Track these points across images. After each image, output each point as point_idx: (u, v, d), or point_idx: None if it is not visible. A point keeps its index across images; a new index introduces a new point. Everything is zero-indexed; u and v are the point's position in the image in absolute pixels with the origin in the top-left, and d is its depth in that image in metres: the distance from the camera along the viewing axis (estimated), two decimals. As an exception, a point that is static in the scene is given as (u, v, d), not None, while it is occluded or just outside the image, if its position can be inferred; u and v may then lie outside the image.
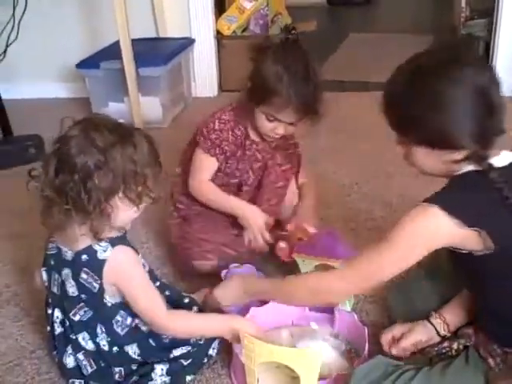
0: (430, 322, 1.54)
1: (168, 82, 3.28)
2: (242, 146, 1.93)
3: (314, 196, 2.03)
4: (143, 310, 1.45)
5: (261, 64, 1.79)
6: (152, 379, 1.48)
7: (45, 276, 1.52)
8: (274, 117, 1.81)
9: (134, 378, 1.48)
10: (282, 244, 1.84)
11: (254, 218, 1.90)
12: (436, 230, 1.28)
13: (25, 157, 2.75)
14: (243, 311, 1.68)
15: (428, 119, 1.27)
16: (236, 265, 1.84)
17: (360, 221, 2.26)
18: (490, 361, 1.37)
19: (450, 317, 1.53)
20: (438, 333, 1.53)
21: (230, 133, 1.90)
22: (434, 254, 1.46)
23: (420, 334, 1.53)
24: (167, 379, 1.49)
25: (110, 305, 1.45)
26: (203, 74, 3.62)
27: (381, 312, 1.78)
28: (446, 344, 1.51)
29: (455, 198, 1.28)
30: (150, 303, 1.45)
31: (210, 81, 3.64)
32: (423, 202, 1.31)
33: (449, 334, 1.53)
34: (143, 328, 1.50)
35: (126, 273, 1.42)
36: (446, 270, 1.55)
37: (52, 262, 1.49)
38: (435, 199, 1.29)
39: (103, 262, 1.40)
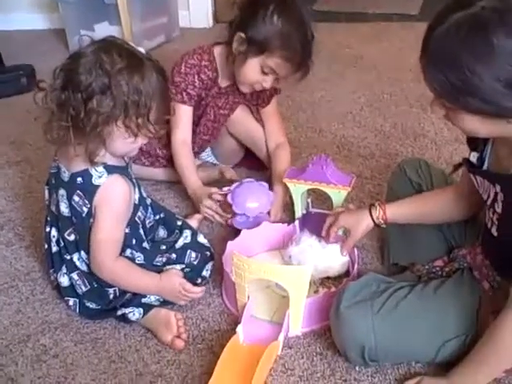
0: (369, 212, 1.53)
1: (138, 11, 3.11)
2: (208, 90, 1.93)
3: (286, 160, 1.99)
4: (96, 243, 1.43)
5: (263, 16, 1.73)
6: (145, 296, 1.51)
7: (46, 194, 1.54)
8: (273, 70, 1.78)
9: (128, 295, 1.51)
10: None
11: (200, 196, 1.87)
12: None
13: (17, 86, 2.73)
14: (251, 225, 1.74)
15: (497, 87, 1.06)
16: (238, 183, 1.84)
17: (353, 148, 2.26)
18: (485, 284, 1.36)
19: (393, 217, 1.52)
20: (373, 220, 1.53)
21: (196, 77, 1.89)
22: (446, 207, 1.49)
23: (356, 228, 1.55)
24: (160, 297, 1.53)
25: None
26: (197, 2, 3.51)
27: (371, 235, 1.79)
28: (437, 263, 1.51)
29: None
30: (106, 243, 1.43)
31: (204, 10, 3.53)
32: None
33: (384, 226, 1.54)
34: (129, 254, 1.51)
35: (109, 202, 1.41)
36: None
37: (53, 181, 1.50)
38: None
39: (96, 187, 1.40)
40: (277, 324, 1.49)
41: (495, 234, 1.29)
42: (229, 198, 1.79)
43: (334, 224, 1.58)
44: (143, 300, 1.51)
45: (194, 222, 1.83)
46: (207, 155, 2.17)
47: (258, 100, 2.01)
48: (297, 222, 1.78)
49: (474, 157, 1.29)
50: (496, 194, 1.25)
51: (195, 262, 1.58)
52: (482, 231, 1.39)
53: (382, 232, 1.75)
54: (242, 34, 1.76)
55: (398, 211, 1.52)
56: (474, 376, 1.24)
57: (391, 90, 2.68)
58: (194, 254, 1.58)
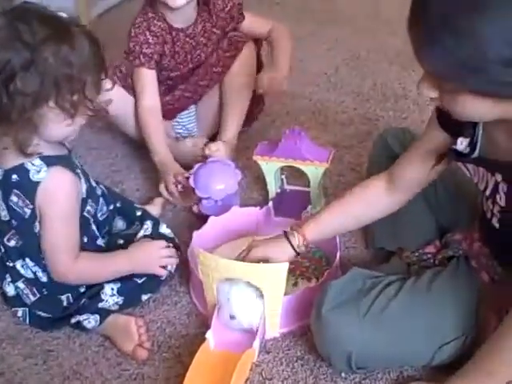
0: (288, 239, 1.31)
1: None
2: (170, 41, 1.76)
3: (287, 38, 1.89)
4: (49, 249, 1.26)
5: None
6: (102, 300, 1.33)
7: None
8: None
9: (84, 301, 1.34)
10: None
11: (165, 171, 1.71)
12: None
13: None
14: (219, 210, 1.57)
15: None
16: (200, 164, 1.65)
17: (330, 114, 2.07)
18: (484, 275, 1.20)
19: (313, 237, 1.32)
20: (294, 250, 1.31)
21: (148, 33, 1.74)
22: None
23: (277, 256, 1.29)
24: (120, 299, 1.35)
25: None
26: None
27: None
28: (428, 249, 1.33)
29: None
30: (61, 246, 1.26)
31: None
32: None
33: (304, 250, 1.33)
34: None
35: (54, 200, 1.23)
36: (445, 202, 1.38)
37: None
38: None
39: (36, 184, 1.21)
40: (252, 324, 1.33)
41: (497, 225, 1.12)
42: (191, 182, 1.60)
43: (246, 258, 1.31)
44: (100, 305, 1.34)
45: (156, 207, 1.65)
46: (186, 121, 1.94)
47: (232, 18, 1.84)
48: (271, 204, 1.60)
49: (461, 144, 1.09)
50: (497, 184, 1.07)
51: None
52: (480, 218, 1.22)
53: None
54: None
55: (320, 229, 1.32)
56: None
57: (368, 46, 2.47)
58: None
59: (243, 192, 1.72)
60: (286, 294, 1.29)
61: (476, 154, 1.08)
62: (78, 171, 1.29)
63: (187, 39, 1.78)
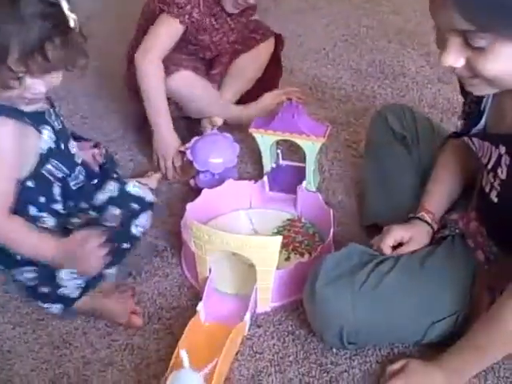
0: (422, 219, 1.26)
1: None
2: (213, 15, 1.67)
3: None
4: None
5: None
6: (60, 286, 1.25)
7: None
8: None
9: (40, 288, 1.27)
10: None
11: (166, 147, 1.66)
12: None
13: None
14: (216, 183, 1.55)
15: None
16: (198, 137, 1.63)
17: (327, 90, 2.04)
18: (479, 254, 1.18)
19: (437, 211, 1.28)
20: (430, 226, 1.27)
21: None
22: None
23: (421, 236, 1.25)
24: (81, 281, 1.27)
25: None
26: None
27: (347, 191, 1.62)
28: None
29: None
30: None
31: None
32: None
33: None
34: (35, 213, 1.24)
35: None
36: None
37: None
38: None
39: None
40: (243, 298, 1.32)
41: (495, 200, 1.11)
42: (189, 155, 1.58)
43: (387, 236, 1.25)
44: (59, 291, 1.26)
45: (152, 182, 1.61)
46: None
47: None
48: (265, 178, 1.58)
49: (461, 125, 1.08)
50: (500, 156, 1.06)
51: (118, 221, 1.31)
52: (477, 195, 1.21)
53: (361, 188, 1.58)
54: None
55: (440, 201, 1.29)
56: (469, 363, 1.09)
57: (368, 23, 2.44)
58: (116, 211, 1.30)
59: (238, 166, 1.70)
60: (278, 268, 1.28)
61: (481, 125, 1.07)
62: (46, 127, 1.20)
63: (229, 20, 1.72)
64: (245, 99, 1.86)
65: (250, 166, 1.72)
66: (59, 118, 1.25)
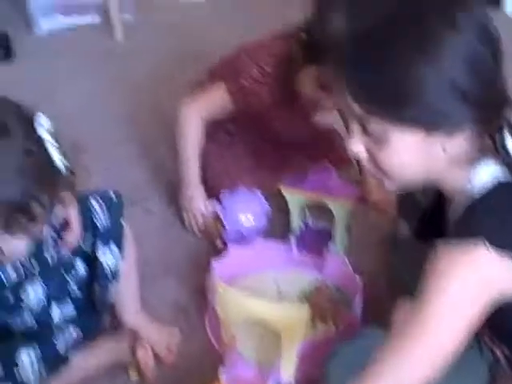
0: None
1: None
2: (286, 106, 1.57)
3: None
4: None
5: (325, 12, 1.38)
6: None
7: None
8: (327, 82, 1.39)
9: None
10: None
11: (191, 200, 1.64)
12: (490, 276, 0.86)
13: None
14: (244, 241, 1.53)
15: (425, 76, 0.84)
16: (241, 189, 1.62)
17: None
18: (496, 351, 1.08)
19: None
20: None
21: (266, 89, 1.53)
22: None
23: None
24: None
25: None
26: None
27: (375, 256, 1.60)
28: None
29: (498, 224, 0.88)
30: None
31: None
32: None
33: None
34: None
35: None
36: None
37: None
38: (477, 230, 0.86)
39: None
40: (267, 366, 1.29)
41: None
42: (219, 211, 1.57)
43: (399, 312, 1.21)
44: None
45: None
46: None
47: None
48: (293, 239, 1.57)
49: None
50: None
51: None
52: None
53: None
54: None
55: None
56: None
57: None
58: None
59: (266, 223, 1.68)
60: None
61: None
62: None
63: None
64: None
65: (278, 224, 1.71)
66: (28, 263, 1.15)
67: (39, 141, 0.99)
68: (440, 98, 0.85)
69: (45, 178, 0.98)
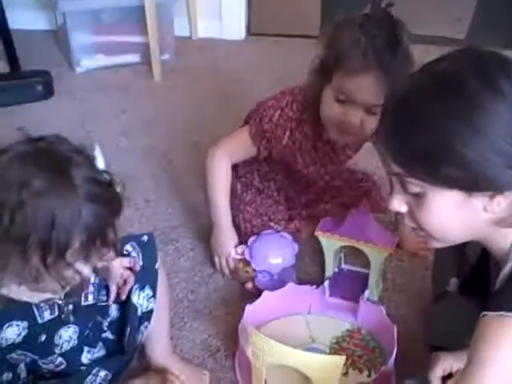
0: None
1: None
2: (310, 148, 1.60)
3: None
4: None
5: (337, 34, 1.41)
6: None
7: None
8: (344, 92, 1.40)
9: None
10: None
11: (221, 245, 1.63)
12: None
13: (31, 95, 2.52)
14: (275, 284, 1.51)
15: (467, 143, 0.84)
16: (269, 231, 1.62)
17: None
18: None
19: None
20: None
21: (288, 134, 1.54)
22: None
23: None
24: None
25: None
26: (229, 11, 2.99)
27: (411, 304, 1.56)
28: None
29: None
30: None
31: (237, 20, 2.98)
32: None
33: None
34: None
35: None
36: None
37: None
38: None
39: None
40: (297, 415, 1.26)
41: None
42: (246, 255, 1.56)
43: (434, 367, 1.22)
44: None
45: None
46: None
47: None
48: (326, 283, 1.54)
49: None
50: None
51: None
52: None
53: (426, 302, 1.51)
54: None
55: None
56: None
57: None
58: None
59: (298, 266, 1.66)
60: (335, 386, 1.22)
61: None
62: (16, 323, 1.09)
63: (331, 153, 1.63)
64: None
65: (311, 267, 1.68)
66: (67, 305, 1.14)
67: (101, 171, 1.01)
68: (484, 163, 0.84)
69: (114, 205, 1.00)
